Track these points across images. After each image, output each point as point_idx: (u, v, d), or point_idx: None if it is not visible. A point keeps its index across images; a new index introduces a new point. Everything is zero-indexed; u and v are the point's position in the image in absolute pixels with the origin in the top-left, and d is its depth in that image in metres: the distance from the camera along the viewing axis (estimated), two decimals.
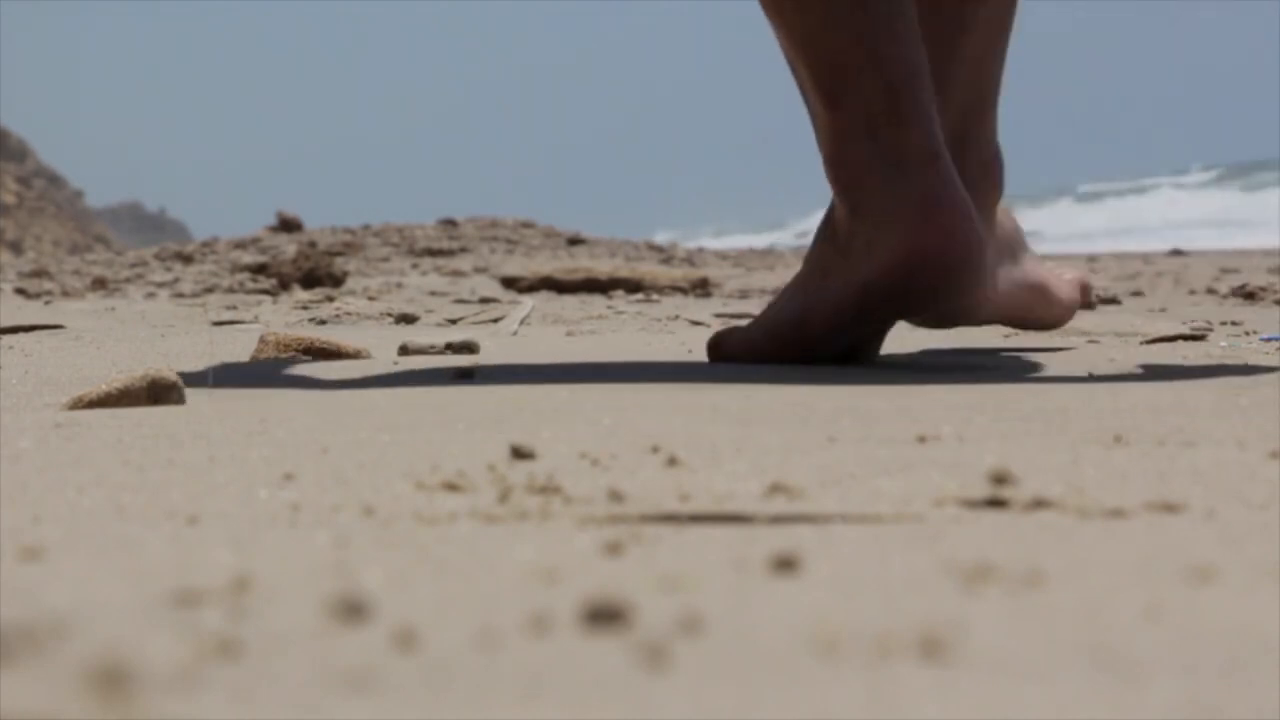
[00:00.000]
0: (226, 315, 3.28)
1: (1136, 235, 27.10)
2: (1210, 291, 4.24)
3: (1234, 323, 2.62)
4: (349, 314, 3.15)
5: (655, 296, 4.27)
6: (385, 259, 7.10)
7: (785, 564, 0.63)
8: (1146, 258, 8.89)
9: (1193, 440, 0.98)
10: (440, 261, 7.03)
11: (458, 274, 6.13)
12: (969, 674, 0.48)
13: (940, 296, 1.60)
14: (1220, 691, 0.46)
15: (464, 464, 0.90)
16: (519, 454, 0.92)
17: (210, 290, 4.80)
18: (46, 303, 4.22)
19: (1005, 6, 1.84)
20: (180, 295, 4.66)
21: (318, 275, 4.69)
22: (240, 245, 7.57)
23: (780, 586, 0.60)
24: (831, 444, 0.97)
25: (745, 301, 4.08)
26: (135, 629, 0.53)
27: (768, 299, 3.84)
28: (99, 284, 5.37)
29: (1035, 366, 1.70)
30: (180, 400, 1.29)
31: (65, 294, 4.91)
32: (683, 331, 2.58)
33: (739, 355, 1.71)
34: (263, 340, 1.87)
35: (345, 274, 4.86)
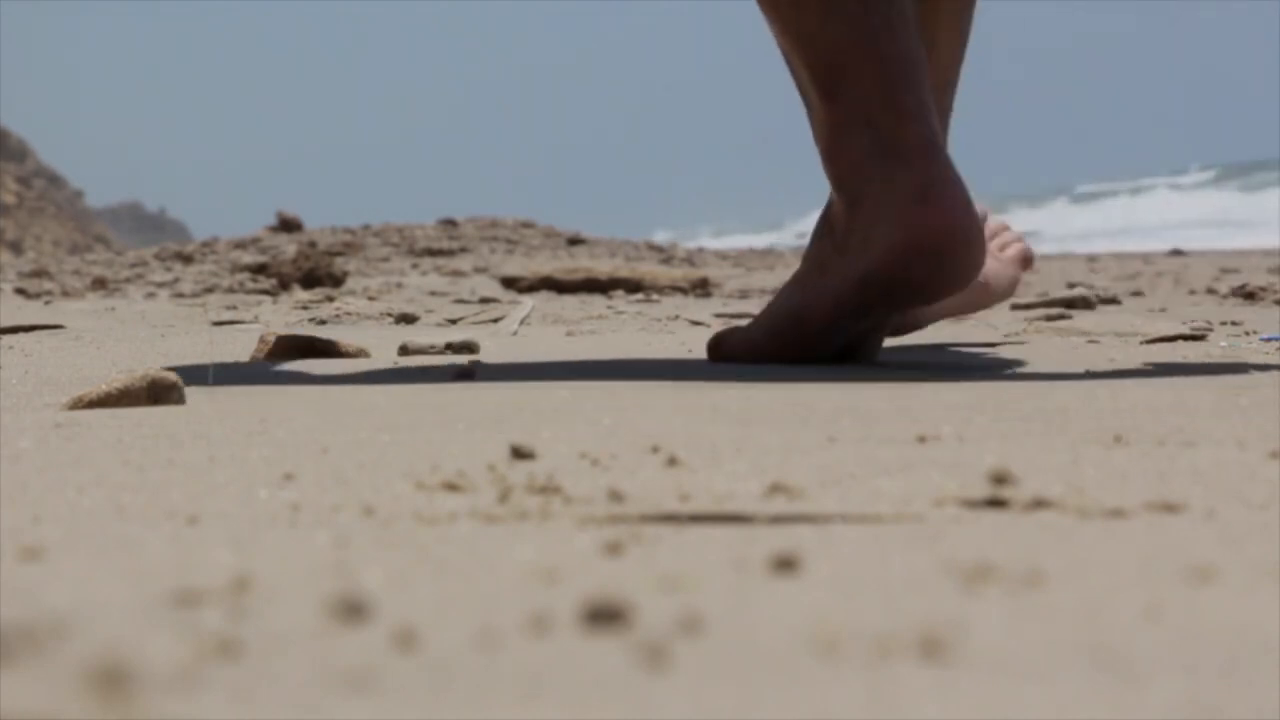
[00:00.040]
0: (226, 315, 3.29)
1: (1134, 235, 27.09)
2: (1210, 291, 4.24)
3: (1234, 323, 2.62)
4: (349, 314, 3.15)
5: (655, 296, 4.27)
6: (385, 259, 7.10)
7: (785, 564, 0.63)
8: (1146, 258, 8.89)
9: (1193, 440, 0.98)
10: (440, 261, 7.03)
11: (458, 274, 6.13)
12: (969, 674, 0.48)
13: (940, 286, 1.60)
14: (1220, 691, 0.46)
15: (464, 464, 0.90)
16: (519, 454, 0.92)
17: (210, 290, 4.80)
18: (46, 303, 4.22)
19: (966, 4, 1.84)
20: (180, 295, 4.66)
21: (318, 275, 4.69)
22: (240, 245, 7.57)
23: (780, 586, 0.60)
24: (831, 444, 0.97)
25: (745, 301, 4.08)
26: (135, 629, 0.53)
27: (768, 299, 3.84)
28: (99, 284, 5.37)
29: (1035, 367, 1.70)
30: (180, 400, 1.29)
31: (65, 294, 4.91)
32: (683, 331, 2.58)
33: (739, 355, 1.71)
34: (263, 340, 1.87)
35: (345, 274, 4.86)
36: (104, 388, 1.29)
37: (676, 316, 3.12)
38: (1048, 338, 2.21)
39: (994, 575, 0.61)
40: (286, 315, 3.22)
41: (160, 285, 5.40)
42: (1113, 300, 3.64)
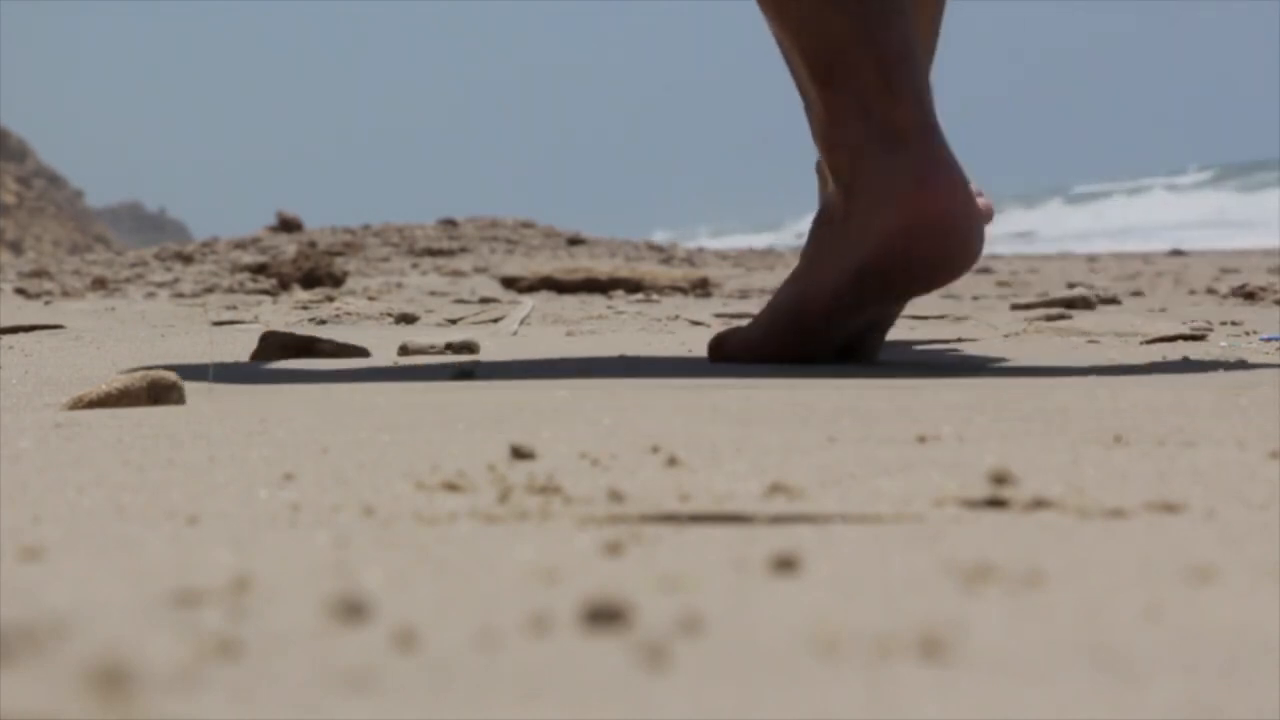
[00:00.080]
0: (226, 315, 3.29)
1: (1133, 235, 27.08)
2: (1210, 291, 4.25)
3: (1234, 323, 2.62)
4: (349, 314, 3.15)
5: (655, 296, 4.27)
6: (385, 259, 7.10)
7: (785, 564, 0.63)
8: (1146, 258, 8.89)
9: (1193, 440, 0.98)
10: (440, 261, 7.03)
11: (458, 274, 6.13)
12: (969, 674, 0.48)
13: (939, 268, 1.60)
14: (1220, 691, 0.46)
15: (464, 464, 0.90)
16: (519, 454, 0.92)
17: (210, 290, 4.80)
18: (46, 303, 4.22)
19: None
20: (180, 295, 4.66)
21: (318, 275, 4.69)
22: (240, 245, 7.57)
23: (780, 586, 0.60)
24: (831, 444, 0.97)
25: (745, 301, 4.08)
26: (135, 629, 0.53)
27: (767, 299, 3.84)
28: (99, 284, 5.37)
29: (1035, 366, 1.70)
30: (180, 400, 1.29)
31: (65, 294, 4.91)
32: (683, 331, 2.58)
33: (739, 355, 1.71)
34: (263, 340, 1.87)
35: (345, 274, 4.86)
36: (104, 388, 1.29)
37: (676, 316, 3.12)
38: (1048, 338, 2.21)
39: (994, 575, 0.61)
40: (286, 315, 3.22)
41: (160, 285, 5.41)
42: (1113, 300, 3.65)
